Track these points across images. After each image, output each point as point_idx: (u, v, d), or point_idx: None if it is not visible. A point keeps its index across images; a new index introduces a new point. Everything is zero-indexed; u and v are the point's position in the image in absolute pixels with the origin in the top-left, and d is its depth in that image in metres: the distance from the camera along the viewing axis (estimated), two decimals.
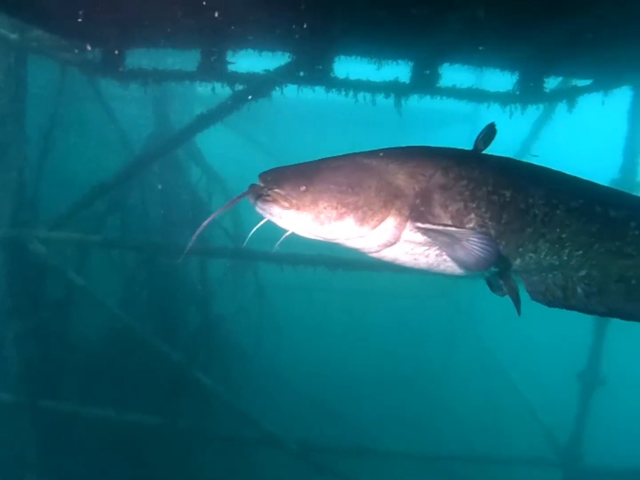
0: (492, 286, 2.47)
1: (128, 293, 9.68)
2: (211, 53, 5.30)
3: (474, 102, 6.28)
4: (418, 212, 2.20)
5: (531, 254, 2.30)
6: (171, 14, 4.56)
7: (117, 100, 9.76)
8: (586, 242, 2.28)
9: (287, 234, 2.22)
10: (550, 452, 8.44)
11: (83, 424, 7.97)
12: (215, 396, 7.90)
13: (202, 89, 6.17)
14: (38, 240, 7.18)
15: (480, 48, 5.13)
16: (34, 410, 7.58)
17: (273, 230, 2.29)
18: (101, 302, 7.60)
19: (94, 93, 8.89)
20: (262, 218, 2.25)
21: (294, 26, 4.68)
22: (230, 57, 5.32)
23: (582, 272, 2.33)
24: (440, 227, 2.12)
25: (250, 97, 5.63)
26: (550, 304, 2.36)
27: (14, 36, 6.53)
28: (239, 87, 5.76)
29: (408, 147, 2.41)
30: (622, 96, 6.37)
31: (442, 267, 2.35)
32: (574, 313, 2.39)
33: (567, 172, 2.43)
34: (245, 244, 2.42)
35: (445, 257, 2.29)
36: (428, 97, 6.06)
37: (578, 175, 2.44)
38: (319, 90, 5.81)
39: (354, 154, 2.35)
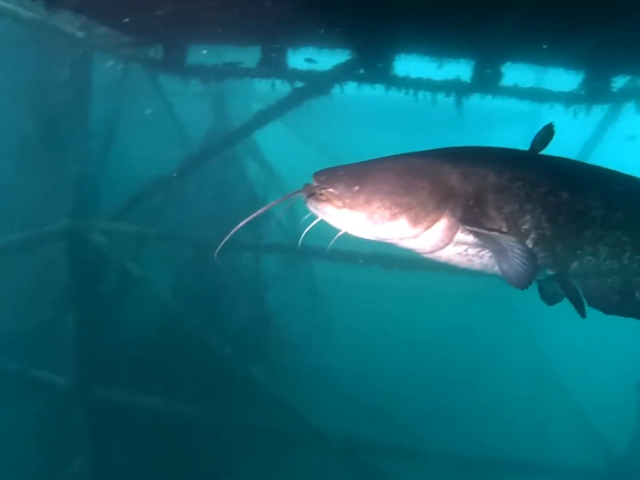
0: (543, 292, 2.41)
1: (181, 285, 9.84)
2: (271, 50, 5.31)
3: (537, 101, 6.13)
4: (471, 213, 2.16)
5: (590, 257, 2.25)
6: (231, 12, 4.58)
7: (177, 96, 9.92)
8: None
9: (341, 232, 2.21)
10: (602, 463, 8.18)
11: (133, 412, 8.15)
12: (264, 390, 7.96)
13: (260, 85, 6.19)
14: (99, 231, 7.40)
15: (544, 46, 4.96)
16: (87, 395, 7.81)
17: (329, 227, 2.26)
18: (156, 293, 7.76)
19: (154, 88, 9.06)
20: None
21: (354, 23, 4.63)
22: (291, 54, 5.32)
23: None
24: (488, 232, 2.08)
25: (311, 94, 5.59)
26: (608, 310, 2.31)
27: (80, 34, 6.72)
28: (299, 84, 5.74)
29: (461, 147, 2.37)
30: None
31: (496, 269, 2.27)
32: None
33: (631, 175, 2.36)
34: (300, 241, 2.38)
35: None
36: (489, 96, 5.91)
37: None
38: (379, 88, 5.74)
39: (406, 154, 2.33)
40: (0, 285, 7.76)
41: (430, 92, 5.85)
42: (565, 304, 2.31)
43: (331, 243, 2.30)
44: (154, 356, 8.95)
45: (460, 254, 2.27)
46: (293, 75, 5.64)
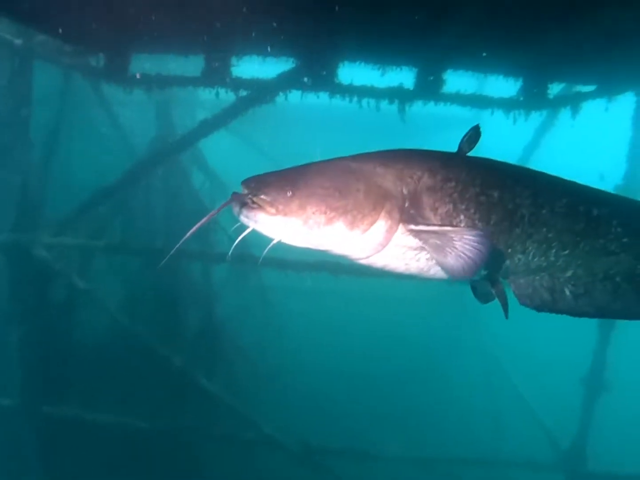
0: (477, 292, 2.43)
1: (130, 297, 9.66)
2: (215, 59, 5.30)
3: (478, 108, 6.26)
4: (408, 214, 2.16)
5: (520, 255, 2.29)
6: (175, 20, 4.57)
7: (120, 105, 9.76)
8: (572, 242, 2.28)
9: (274, 242, 2.12)
10: (553, 456, 8.47)
11: (85, 428, 7.94)
12: (218, 398, 7.91)
13: (204, 93, 6.16)
14: (41, 245, 7.18)
15: (484, 54, 5.13)
16: (36, 415, 7.56)
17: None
18: (104, 307, 7.60)
19: (97, 98, 8.90)
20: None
21: (298, 32, 4.68)
22: (234, 62, 5.32)
23: (569, 273, 2.32)
24: (436, 228, 2.09)
25: (253, 103, 5.62)
26: (539, 307, 2.34)
27: (18, 41, 6.55)
28: (243, 92, 5.75)
29: (393, 150, 2.37)
30: (625, 102, 6.34)
31: (432, 272, 2.31)
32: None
33: (569, 179, 2.41)
34: (230, 253, 2.33)
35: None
36: (431, 102, 6.05)
37: (576, 181, 2.43)
38: (323, 95, 5.81)
39: (340, 157, 2.29)
40: None
41: (374, 99, 5.91)
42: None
43: (264, 253, 2.21)
44: (104, 371, 8.74)
45: (397, 257, 2.25)
46: (237, 83, 5.64)
